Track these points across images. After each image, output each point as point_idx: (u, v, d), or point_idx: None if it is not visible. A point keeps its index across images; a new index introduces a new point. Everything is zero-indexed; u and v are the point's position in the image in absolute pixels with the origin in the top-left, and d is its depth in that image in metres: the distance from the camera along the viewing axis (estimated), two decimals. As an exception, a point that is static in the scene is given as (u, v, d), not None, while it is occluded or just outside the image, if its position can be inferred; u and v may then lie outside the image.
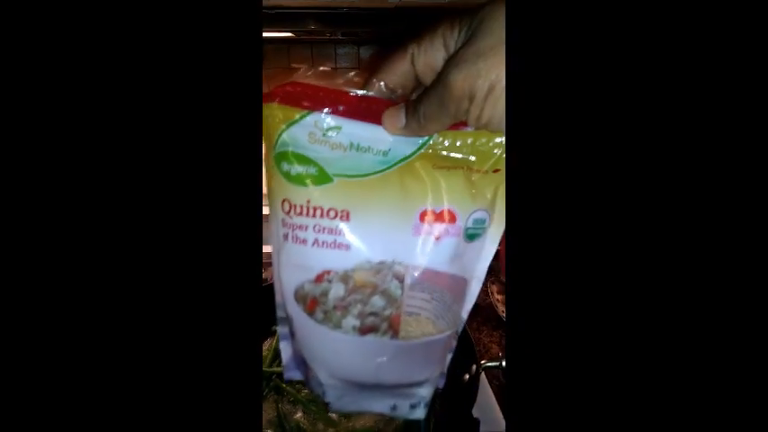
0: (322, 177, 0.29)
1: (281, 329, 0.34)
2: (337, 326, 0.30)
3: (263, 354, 0.61)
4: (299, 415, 0.52)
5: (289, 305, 0.31)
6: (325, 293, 0.30)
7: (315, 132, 0.29)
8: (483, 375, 0.61)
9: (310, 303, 0.30)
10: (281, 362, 0.59)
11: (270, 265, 0.98)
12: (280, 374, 0.57)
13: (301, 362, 0.34)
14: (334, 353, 0.31)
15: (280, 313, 0.33)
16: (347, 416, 0.52)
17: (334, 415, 0.52)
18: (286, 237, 0.30)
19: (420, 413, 0.32)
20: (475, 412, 0.51)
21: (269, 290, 0.69)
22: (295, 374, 0.35)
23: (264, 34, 0.92)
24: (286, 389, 0.56)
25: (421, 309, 0.32)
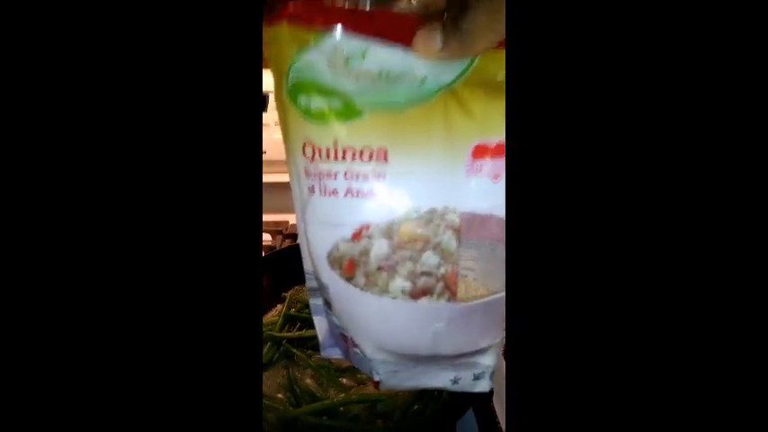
0: (349, 111, 0.24)
1: (314, 302, 0.29)
2: (384, 290, 0.25)
3: (274, 319, 0.59)
4: (309, 380, 0.50)
5: (322, 271, 0.26)
6: (365, 252, 0.24)
7: (335, 60, 0.24)
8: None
9: (348, 266, 0.25)
10: (291, 327, 0.57)
11: (279, 233, 0.93)
12: (290, 339, 0.55)
13: (340, 337, 0.29)
14: (381, 322, 0.26)
15: (310, 283, 0.28)
16: (359, 382, 0.49)
17: (345, 380, 0.50)
18: (312, 189, 0.25)
19: (485, 385, 0.28)
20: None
21: (279, 256, 0.66)
22: (333, 352, 0.30)
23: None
24: (297, 354, 0.53)
25: (468, 270, 0.27)
